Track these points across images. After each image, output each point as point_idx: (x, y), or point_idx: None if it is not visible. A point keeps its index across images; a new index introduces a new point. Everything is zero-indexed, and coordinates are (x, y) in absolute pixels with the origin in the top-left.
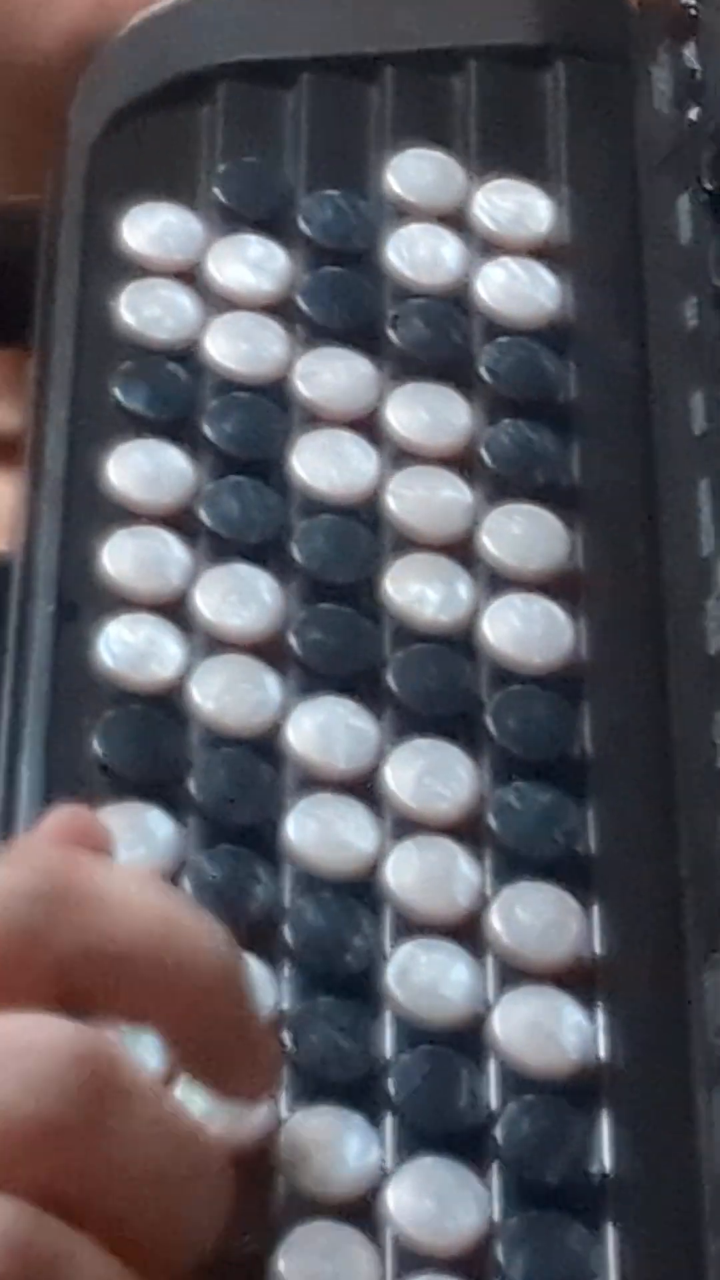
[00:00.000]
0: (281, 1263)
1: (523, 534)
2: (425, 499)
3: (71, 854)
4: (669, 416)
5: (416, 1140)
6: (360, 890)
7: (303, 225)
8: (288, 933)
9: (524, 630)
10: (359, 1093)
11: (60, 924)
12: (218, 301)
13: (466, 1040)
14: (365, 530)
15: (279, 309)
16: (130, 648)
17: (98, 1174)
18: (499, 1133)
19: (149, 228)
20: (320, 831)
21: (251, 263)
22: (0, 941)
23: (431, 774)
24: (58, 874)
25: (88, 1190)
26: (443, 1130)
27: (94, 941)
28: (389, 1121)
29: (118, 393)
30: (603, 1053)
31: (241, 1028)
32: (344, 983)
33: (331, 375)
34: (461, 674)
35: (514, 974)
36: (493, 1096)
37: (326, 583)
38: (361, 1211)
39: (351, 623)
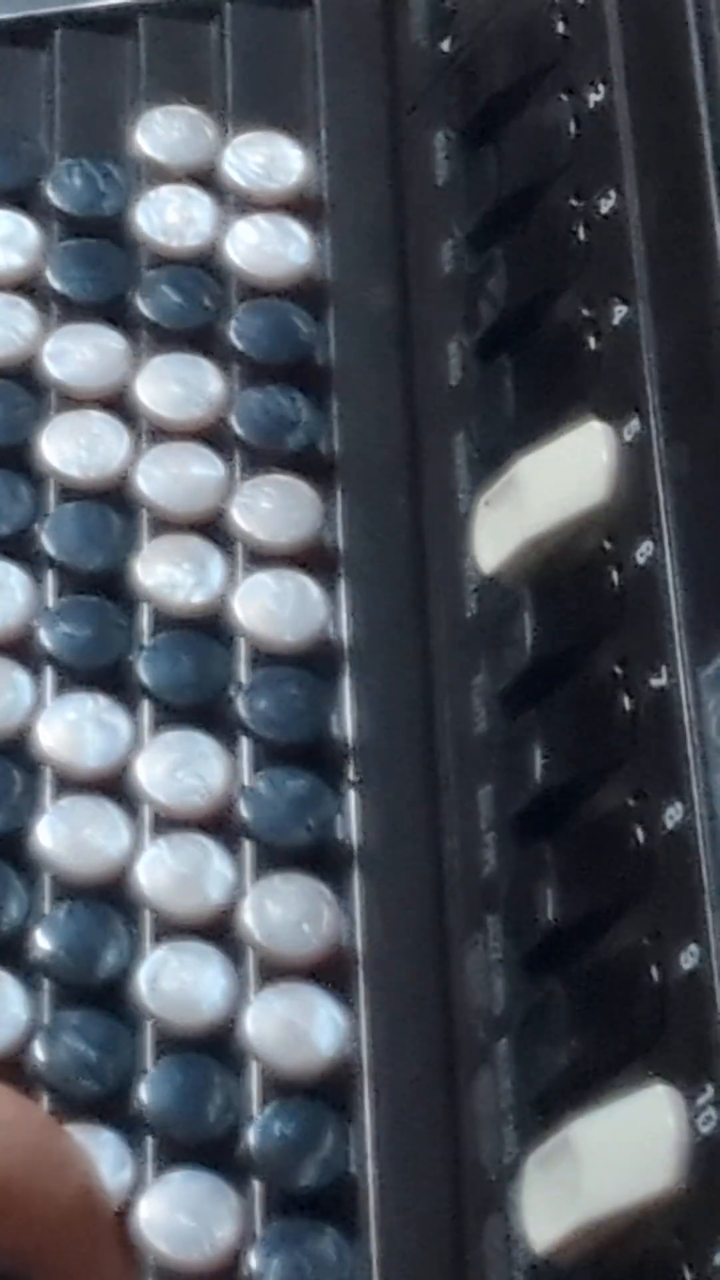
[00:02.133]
0: None
1: (274, 507)
2: (176, 477)
3: None
4: (428, 369)
5: (170, 1154)
6: (113, 895)
7: (52, 196)
8: (40, 944)
9: (275, 608)
10: (111, 1108)
11: None
12: None
13: (221, 1045)
14: (117, 515)
15: (29, 286)
16: None
17: None
18: (251, 1140)
19: None
20: (71, 836)
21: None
22: None
23: (184, 767)
24: None
25: None
26: (196, 1142)
27: None
28: (143, 1136)
29: None
30: (361, 1046)
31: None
32: (97, 993)
33: (81, 353)
34: (214, 659)
35: (268, 971)
36: (250, 1102)
37: (78, 572)
38: None
39: (103, 613)
